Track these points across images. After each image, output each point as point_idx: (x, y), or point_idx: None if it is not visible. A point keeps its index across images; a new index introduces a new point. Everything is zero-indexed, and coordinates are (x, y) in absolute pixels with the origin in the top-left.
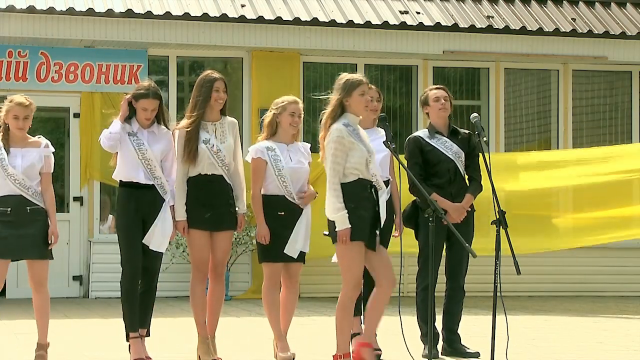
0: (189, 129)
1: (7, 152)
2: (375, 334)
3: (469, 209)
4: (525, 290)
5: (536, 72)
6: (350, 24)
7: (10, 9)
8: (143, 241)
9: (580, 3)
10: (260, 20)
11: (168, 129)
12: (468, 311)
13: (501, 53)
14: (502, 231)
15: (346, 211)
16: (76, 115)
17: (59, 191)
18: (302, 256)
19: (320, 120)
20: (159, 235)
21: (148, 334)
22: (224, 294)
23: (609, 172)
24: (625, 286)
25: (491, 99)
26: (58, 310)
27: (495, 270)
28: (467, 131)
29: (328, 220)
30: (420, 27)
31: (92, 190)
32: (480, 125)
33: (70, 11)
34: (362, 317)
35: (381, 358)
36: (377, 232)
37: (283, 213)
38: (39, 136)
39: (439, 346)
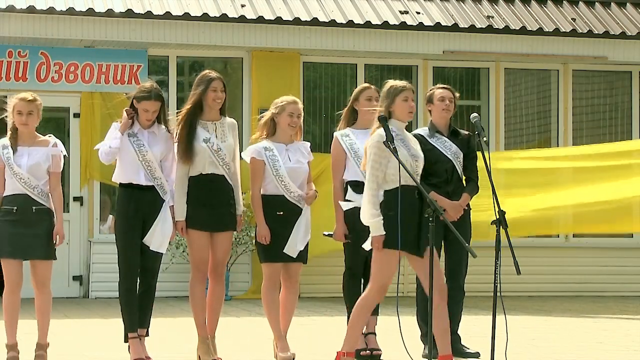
0: (180, 132)
1: (14, 150)
2: (375, 334)
3: (466, 208)
4: (525, 290)
5: (536, 72)
6: (350, 24)
7: (10, 9)
8: (143, 241)
9: (580, 3)
10: (260, 20)
11: (169, 130)
12: (468, 311)
13: (501, 53)
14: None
15: (381, 218)
16: (76, 115)
17: None
18: (302, 256)
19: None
20: (159, 236)
21: (147, 334)
22: (224, 294)
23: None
24: (625, 286)
25: (491, 99)
26: (58, 310)
27: (495, 270)
28: (467, 132)
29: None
30: (420, 27)
31: (92, 190)
32: (480, 125)
33: (70, 11)
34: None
35: (381, 358)
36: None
37: (282, 213)
38: (49, 135)
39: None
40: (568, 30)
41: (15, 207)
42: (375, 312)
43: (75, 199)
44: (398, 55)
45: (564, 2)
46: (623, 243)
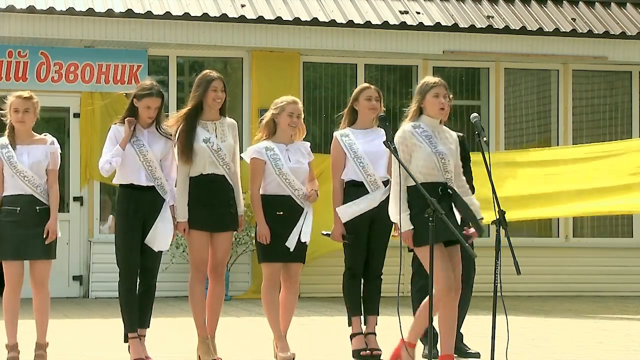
0: (180, 132)
1: (14, 149)
2: (375, 334)
3: None
4: (525, 290)
5: (536, 72)
6: (350, 24)
7: (10, 9)
8: (145, 242)
9: (580, 3)
10: (260, 20)
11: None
12: (468, 311)
13: (501, 53)
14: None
15: (407, 213)
16: (76, 115)
17: (59, 191)
18: (302, 256)
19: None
20: (160, 235)
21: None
22: (223, 293)
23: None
24: (625, 286)
25: (491, 99)
26: (58, 310)
27: (495, 270)
28: (460, 134)
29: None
30: (420, 27)
31: (92, 190)
32: (480, 125)
33: (70, 11)
34: (361, 317)
35: (381, 358)
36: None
37: (282, 213)
38: (45, 134)
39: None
40: (568, 30)
41: (19, 208)
42: (375, 312)
43: (75, 199)
44: (398, 55)
45: (564, 2)
46: (623, 243)
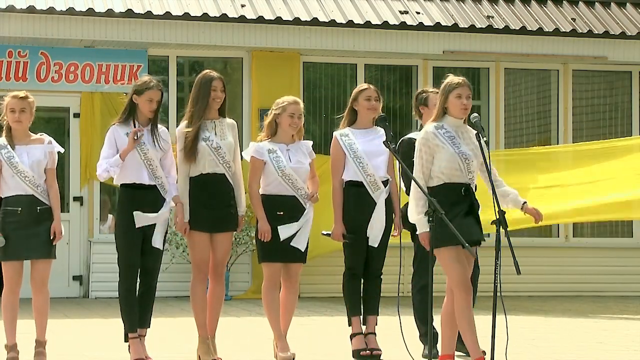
0: (189, 129)
1: (13, 149)
2: (375, 334)
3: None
4: (525, 290)
5: (536, 72)
6: (350, 24)
7: (10, 9)
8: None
9: (580, 3)
10: (260, 20)
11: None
12: None
13: (501, 53)
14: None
15: (425, 215)
16: (76, 115)
17: (59, 191)
18: (302, 256)
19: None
20: (159, 233)
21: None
22: (224, 293)
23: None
24: (625, 286)
25: (491, 99)
26: (58, 310)
27: (495, 270)
28: None
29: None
30: (420, 27)
31: (92, 190)
32: (480, 125)
33: (70, 11)
34: (361, 317)
35: (381, 358)
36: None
37: (283, 213)
38: (41, 134)
39: (438, 346)
40: (568, 30)
41: (20, 208)
42: (375, 312)
43: (75, 199)
44: (398, 55)
45: (564, 2)
46: (623, 243)
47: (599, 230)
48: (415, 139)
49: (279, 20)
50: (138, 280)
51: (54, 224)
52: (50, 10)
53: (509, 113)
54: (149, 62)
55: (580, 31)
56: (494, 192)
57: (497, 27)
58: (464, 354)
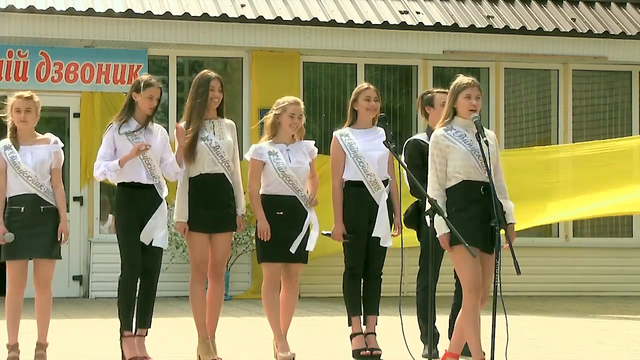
0: (189, 129)
1: (17, 149)
2: (375, 333)
3: None
4: (525, 290)
5: (536, 72)
6: (350, 24)
7: (10, 9)
8: (140, 238)
9: (580, 3)
10: (260, 20)
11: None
12: None
13: (501, 53)
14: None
15: (445, 216)
16: (76, 115)
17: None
18: (303, 256)
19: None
20: (159, 231)
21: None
22: (223, 293)
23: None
24: (625, 286)
25: (491, 99)
26: (58, 310)
27: (495, 270)
28: None
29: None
30: (420, 27)
31: (92, 190)
32: (480, 125)
33: (70, 11)
34: (361, 317)
35: (381, 358)
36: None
37: (282, 213)
38: (48, 133)
39: (439, 346)
40: (568, 30)
41: (23, 207)
42: (375, 312)
43: (75, 198)
44: (398, 55)
45: (564, 2)
46: (623, 243)
47: (599, 230)
48: (421, 140)
49: (279, 20)
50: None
51: (60, 225)
52: (50, 10)
53: (509, 113)
54: (149, 62)
55: (580, 31)
56: (494, 192)
57: (497, 27)
58: (467, 354)
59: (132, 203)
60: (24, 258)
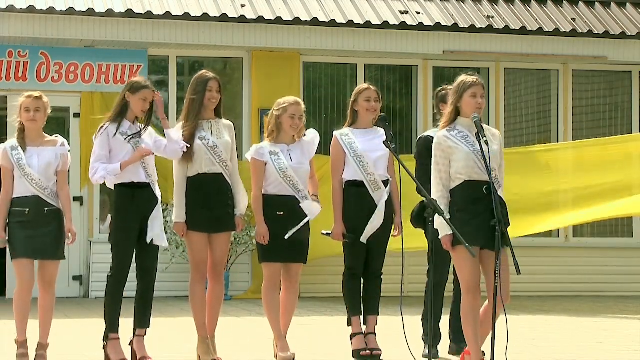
0: (185, 128)
1: (24, 150)
2: (375, 333)
3: None
4: (525, 290)
5: (536, 72)
6: (350, 24)
7: (10, 9)
8: (154, 241)
9: (580, 3)
10: (260, 20)
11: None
12: None
13: (501, 53)
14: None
15: (447, 217)
16: (76, 115)
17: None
18: (303, 256)
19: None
20: (159, 229)
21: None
22: (223, 293)
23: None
24: (625, 286)
25: (491, 99)
26: (58, 310)
27: (495, 270)
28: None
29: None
30: (420, 27)
31: (92, 190)
32: (480, 125)
33: (70, 11)
34: (361, 317)
35: (381, 358)
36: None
37: (283, 213)
38: (56, 135)
39: (440, 346)
40: (568, 30)
41: (27, 209)
42: (375, 312)
43: (75, 199)
44: (398, 55)
45: (564, 2)
46: (623, 243)
47: (599, 230)
48: (432, 137)
49: (279, 20)
50: (136, 280)
51: (67, 226)
52: (50, 10)
53: (509, 113)
54: (149, 62)
55: (580, 31)
56: (493, 191)
57: (497, 27)
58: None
59: (133, 203)
60: (30, 257)
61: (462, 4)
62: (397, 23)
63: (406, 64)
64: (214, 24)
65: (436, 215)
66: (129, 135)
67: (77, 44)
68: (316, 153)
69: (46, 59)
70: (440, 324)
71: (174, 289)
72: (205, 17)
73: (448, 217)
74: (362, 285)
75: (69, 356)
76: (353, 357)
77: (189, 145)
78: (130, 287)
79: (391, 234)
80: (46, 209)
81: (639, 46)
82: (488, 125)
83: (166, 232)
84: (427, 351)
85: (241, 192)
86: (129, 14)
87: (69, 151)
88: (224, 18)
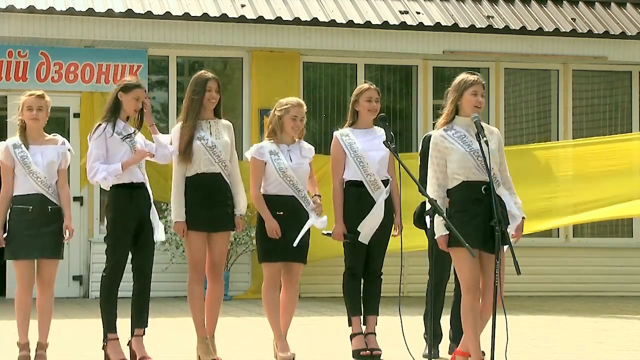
0: (184, 128)
1: (27, 148)
2: (375, 334)
3: None
4: (525, 290)
5: (536, 72)
6: (350, 24)
7: (10, 9)
8: (157, 239)
9: (580, 3)
10: (260, 20)
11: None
12: None
13: (501, 53)
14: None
15: (441, 218)
16: (76, 115)
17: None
18: (303, 256)
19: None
20: (157, 226)
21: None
22: (222, 293)
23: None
24: (625, 286)
25: (491, 99)
26: (58, 310)
27: (495, 270)
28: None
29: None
30: (420, 27)
31: (92, 190)
32: (480, 125)
33: (70, 11)
34: (361, 317)
35: (381, 358)
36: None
37: (282, 213)
38: (54, 134)
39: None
40: (568, 30)
41: (31, 207)
42: (375, 312)
43: (75, 199)
44: (398, 55)
45: (564, 2)
46: (623, 243)
47: (599, 230)
48: None
49: (279, 20)
50: (132, 280)
51: (65, 222)
52: (50, 10)
53: (509, 113)
54: (149, 62)
55: (580, 31)
56: (493, 191)
57: (497, 27)
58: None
59: (132, 204)
60: (31, 258)
61: (462, 4)
62: (397, 23)
63: (406, 64)
64: (214, 24)
65: (436, 215)
66: (125, 136)
67: (77, 44)
68: (316, 153)
69: (46, 59)
70: (441, 324)
71: (173, 289)
72: (205, 17)
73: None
74: (362, 286)
75: (69, 356)
76: (353, 357)
77: (174, 151)
78: (127, 287)
79: (391, 234)
80: (50, 207)
81: (639, 46)
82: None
83: (166, 232)
84: (426, 351)
85: (241, 193)
86: (129, 14)
87: (70, 150)
88: (224, 18)
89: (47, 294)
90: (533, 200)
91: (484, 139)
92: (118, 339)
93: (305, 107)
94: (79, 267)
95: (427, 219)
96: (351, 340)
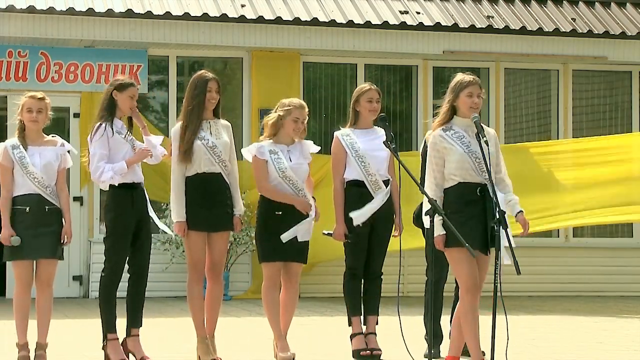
0: (186, 129)
1: (25, 149)
2: (375, 334)
3: None
4: (525, 290)
5: (536, 72)
6: (350, 24)
7: (10, 9)
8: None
9: (580, 3)
10: (260, 20)
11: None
12: None
13: (501, 53)
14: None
15: (440, 218)
16: (76, 115)
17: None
18: (303, 256)
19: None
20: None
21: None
22: (222, 293)
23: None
24: (625, 286)
25: (491, 99)
26: (58, 310)
27: (495, 270)
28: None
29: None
30: (420, 27)
31: (92, 190)
32: (480, 125)
33: (70, 11)
34: (361, 317)
35: (381, 358)
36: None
37: (282, 213)
38: (53, 135)
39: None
40: (568, 30)
41: (29, 207)
42: (376, 312)
43: (75, 199)
44: (398, 55)
45: (564, 2)
46: (623, 243)
47: (599, 230)
48: None
49: (279, 20)
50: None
51: (64, 227)
52: (50, 10)
53: (509, 113)
54: (149, 62)
55: (580, 31)
56: (494, 192)
57: (497, 27)
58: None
59: (132, 204)
60: (29, 258)
61: (462, 4)
62: (397, 23)
63: (406, 64)
64: (214, 24)
65: (435, 215)
66: (126, 134)
67: (77, 44)
68: (316, 153)
69: (46, 59)
70: (441, 325)
71: (173, 289)
72: (205, 17)
73: (440, 218)
74: (362, 286)
75: (69, 356)
76: (353, 357)
77: (166, 154)
78: (125, 287)
79: (392, 234)
80: (47, 207)
81: (639, 46)
82: (487, 125)
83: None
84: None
85: (239, 193)
86: (129, 14)
87: (69, 151)
88: (224, 18)
89: (46, 294)
90: (533, 203)
91: (484, 139)
92: (118, 339)
93: (306, 109)
94: (79, 267)
95: (426, 219)
96: (351, 340)
